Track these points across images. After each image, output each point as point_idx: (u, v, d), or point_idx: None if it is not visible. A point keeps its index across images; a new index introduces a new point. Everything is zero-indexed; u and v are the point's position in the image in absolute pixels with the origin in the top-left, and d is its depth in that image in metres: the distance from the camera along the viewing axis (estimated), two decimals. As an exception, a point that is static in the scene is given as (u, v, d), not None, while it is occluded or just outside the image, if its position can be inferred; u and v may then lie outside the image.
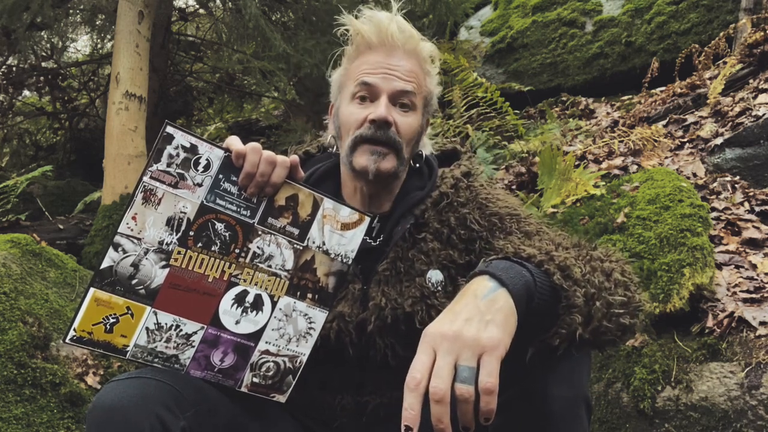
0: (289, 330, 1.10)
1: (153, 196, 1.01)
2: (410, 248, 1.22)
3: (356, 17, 1.26)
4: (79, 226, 3.87)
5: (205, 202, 1.04)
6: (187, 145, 1.02)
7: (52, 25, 4.64)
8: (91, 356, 2.08)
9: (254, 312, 1.09)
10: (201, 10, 5.58)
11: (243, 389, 1.10)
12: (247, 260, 1.07)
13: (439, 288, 1.20)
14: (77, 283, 2.29)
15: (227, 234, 1.06)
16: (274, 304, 1.10)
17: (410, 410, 0.79)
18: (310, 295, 1.11)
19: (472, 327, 0.82)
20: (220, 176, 1.04)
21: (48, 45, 5.32)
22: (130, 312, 1.02)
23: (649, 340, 2.01)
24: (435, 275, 1.20)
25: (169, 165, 1.01)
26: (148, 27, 3.79)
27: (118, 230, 1.00)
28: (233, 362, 1.09)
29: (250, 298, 1.08)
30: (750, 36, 3.74)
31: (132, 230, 1.01)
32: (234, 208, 1.06)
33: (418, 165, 1.32)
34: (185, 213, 1.03)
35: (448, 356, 0.81)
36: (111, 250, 1.00)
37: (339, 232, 1.12)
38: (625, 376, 2.01)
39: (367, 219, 1.14)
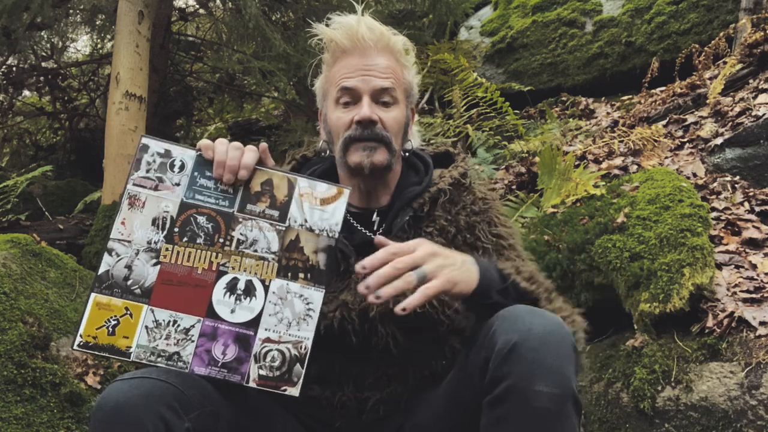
0: (286, 313, 1.11)
1: (137, 201, 1.11)
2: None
3: (327, 25, 1.32)
4: (79, 226, 3.87)
5: (184, 200, 1.12)
6: (162, 150, 1.12)
7: (52, 25, 4.63)
8: (92, 356, 2.08)
9: (248, 299, 1.11)
10: (201, 10, 5.58)
11: (251, 384, 1.09)
12: (233, 248, 1.11)
13: None
14: (77, 283, 2.29)
15: (209, 226, 1.12)
16: (266, 288, 1.11)
17: (372, 260, 1.05)
18: (301, 275, 1.13)
19: (448, 262, 1.08)
20: (196, 174, 1.13)
21: (48, 45, 5.31)
22: (128, 312, 1.07)
23: (649, 340, 2.02)
24: None
25: (147, 171, 1.12)
26: (148, 27, 3.79)
27: (110, 236, 1.09)
28: (236, 354, 1.09)
29: (241, 285, 1.11)
30: (750, 36, 3.74)
31: (122, 234, 1.09)
32: (212, 200, 1.13)
33: (407, 154, 1.39)
34: (168, 212, 1.11)
35: (422, 255, 1.06)
36: (106, 255, 1.09)
37: (319, 207, 1.15)
38: (625, 376, 2.01)
39: (346, 191, 1.17)
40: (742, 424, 1.74)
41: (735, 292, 2.03)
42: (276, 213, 1.14)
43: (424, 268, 1.04)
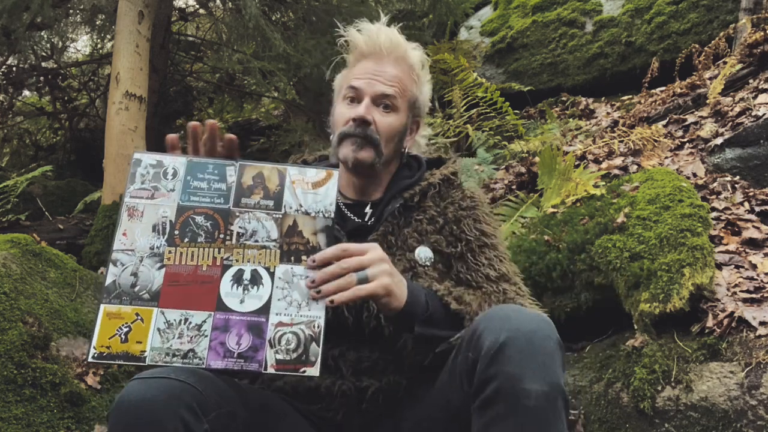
0: (295, 296, 1.13)
1: (136, 212, 1.16)
2: (404, 226, 1.36)
3: (358, 29, 1.44)
4: (79, 226, 3.87)
5: (181, 203, 1.16)
6: (154, 162, 1.19)
7: (52, 25, 4.64)
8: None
9: (255, 287, 1.13)
10: (201, 10, 5.58)
11: (270, 370, 1.09)
12: (234, 241, 1.15)
13: (428, 263, 1.32)
14: (77, 283, 2.29)
15: (208, 224, 1.16)
16: (271, 274, 1.14)
17: (322, 255, 1.12)
18: (304, 257, 1.15)
19: (390, 270, 1.14)
20: (188, 178, 1.18)
21: (48, 45, 5.31)
22: (139, 318, 1.09)
23: (649, 340, 2.02)
24: (424, 251, 1.34)
25: (142, 183, 1.18)
26: (148, 27, 3.79)
27: (113, 248, 1.13)
28: (250, 343, 1.10)
29: (247, 276, 1.13)
30: (750, 36, 3.74)
31: (125, 245, 1.13)
32: (207, 200, 1.17)
33: (405, 162, 1.47)
34: (166, 216, 1.15)
35: (369, 258, 1.12)
36: (111, 267, 1.12)
37: (312, 191, 1.19)
38: (625, 376, 2.01)
39: (335, 172, 1.21)
40: (742, 424, 1.74)
41: (735, 292, 2.03)
42: (271, 202, 1.18)
43: (367, 271, 1.10)
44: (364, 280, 1.10)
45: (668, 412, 1.88)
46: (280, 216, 1.17)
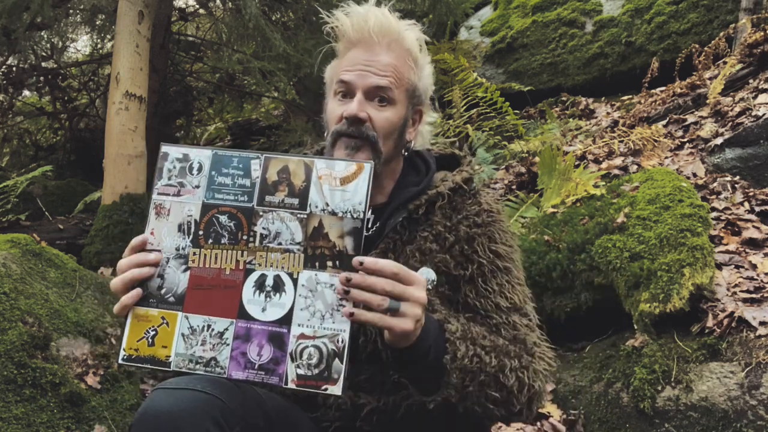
0: (318, 306, 1.06)
1: (163, 209, 1.12)
2: (407, 243, 1.24)
3: (345, 13, 1.29)
4: (79, 226, 3.87)
5: (205, 201, 1.12)
6: (180, 155, 1.14)
7: (52, 25, 4.64)
8: (92, 356, 2.08)
9: (277, 295, 1.07)
10: (201, 10, 5.58)
11: (290, 385, 1.05)
12: (257, 243, 1.09)
13: (429, 287, 1.20)
14: (77, 283, 2.29)
15: (232, 224, 1.11)
16: (294, 281, 1.07)
17: (374, 263, 1.02)
18: (330, 263, 1.07)
19: (420, 317, 1.04)
20: (213, 173, 1.13)
21: (48, 45, 5.31)
22: (165, 321, 1.08)
23: (649, 340, 2.02)
24: (426, 273, 1.22)
25: (169, 178, 1.13)
26: (148, 27, 3.79)
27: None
28: (271, 354, 1.06)
29: (269, 282, 1.08)
30: (750, 36, 3.74)
31: (152, 244, 1.11)
32: (231, 197, 1.12)
33: (407, 154, 1.34)
34: (191, 215, 1.12)
35: (411, 294, 1.02)
36: None
37: (340, 188, 1.09)
38: (625, 376, 2.01)
39: (367, 165, 1.10)
40: (742, 424, 1.74)
41: (735, 292, 2.03)
42: (296, 201, 1.10)
43: (402, 304, 1.01)
44: (394, 311, 1.00)
45: (668, 412, 1.87)
46: (305, 216, 1.09)
